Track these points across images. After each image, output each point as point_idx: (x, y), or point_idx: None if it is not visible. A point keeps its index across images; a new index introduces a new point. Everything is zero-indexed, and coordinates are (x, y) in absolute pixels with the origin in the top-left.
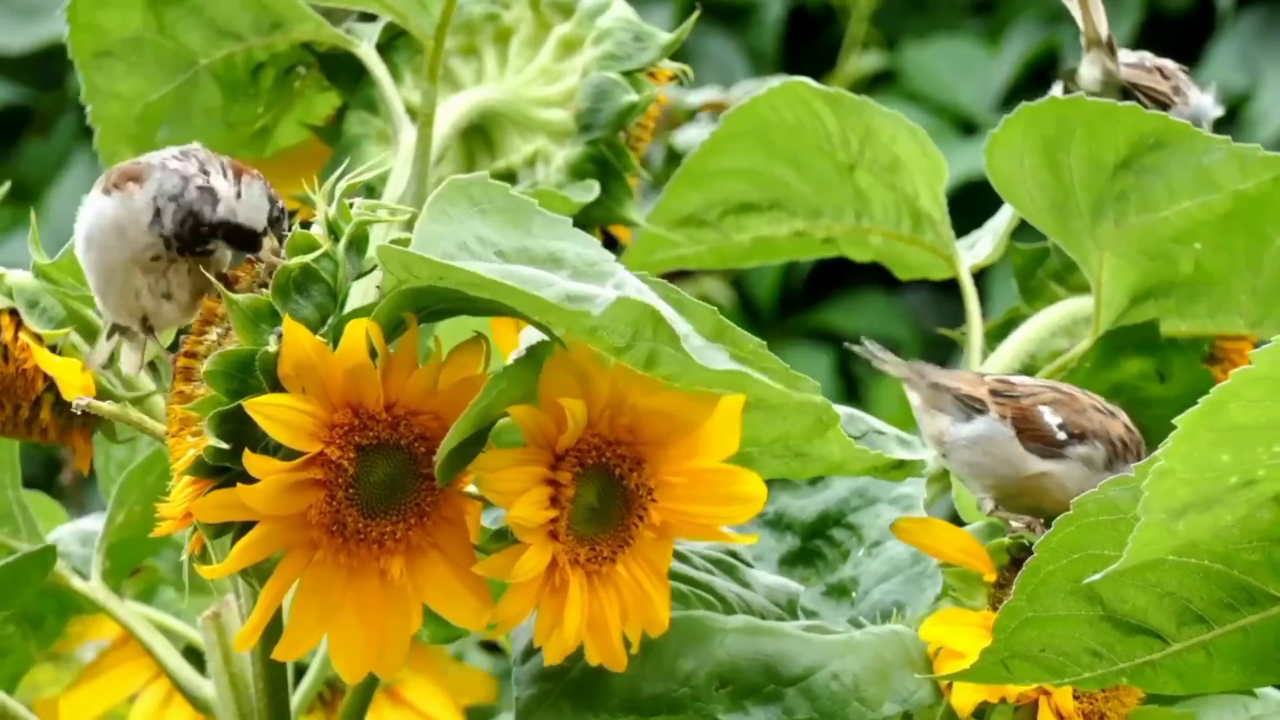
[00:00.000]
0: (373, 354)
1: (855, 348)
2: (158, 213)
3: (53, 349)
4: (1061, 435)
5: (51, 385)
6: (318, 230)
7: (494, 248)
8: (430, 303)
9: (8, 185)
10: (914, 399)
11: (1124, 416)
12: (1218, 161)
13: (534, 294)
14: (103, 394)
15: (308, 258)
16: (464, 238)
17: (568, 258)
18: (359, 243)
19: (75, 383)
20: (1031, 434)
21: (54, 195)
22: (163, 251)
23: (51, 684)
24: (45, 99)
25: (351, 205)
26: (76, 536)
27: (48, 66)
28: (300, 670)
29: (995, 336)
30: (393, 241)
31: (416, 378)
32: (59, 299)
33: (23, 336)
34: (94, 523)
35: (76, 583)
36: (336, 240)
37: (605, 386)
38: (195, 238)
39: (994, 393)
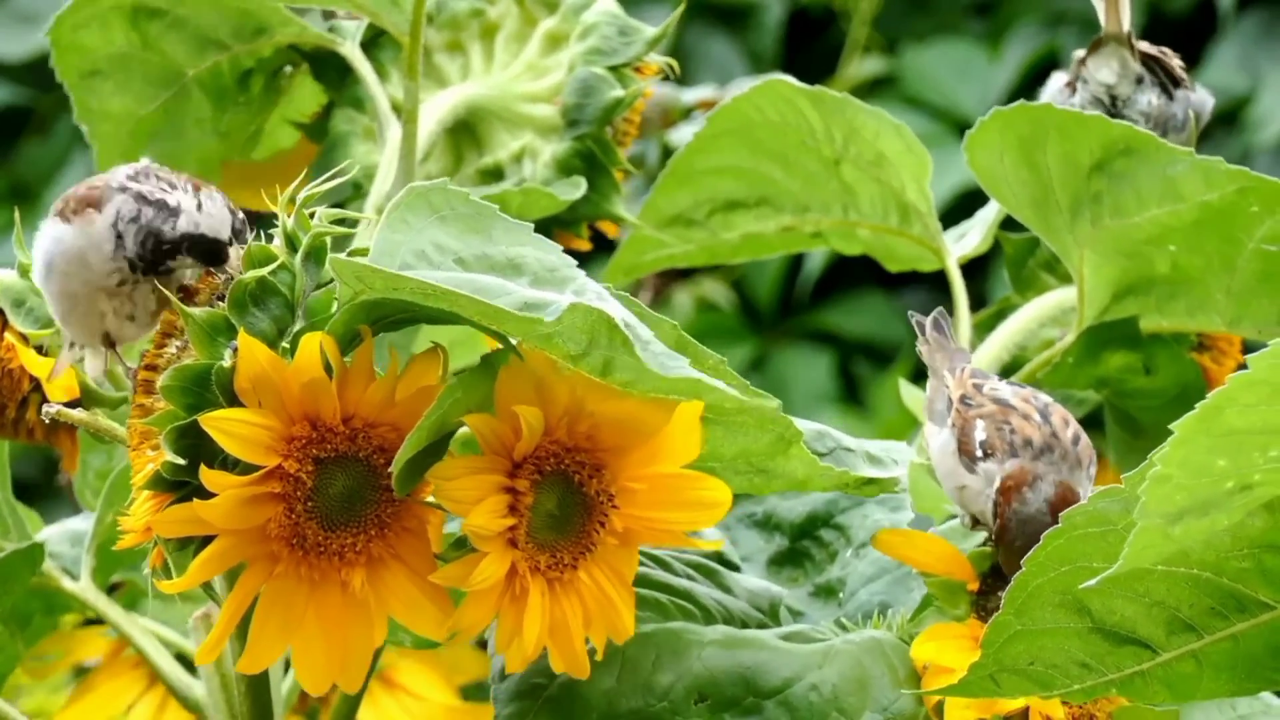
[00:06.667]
0: (330, 366)
1: (916, 316)
2: (119, 237)
3: (39, 349)
4: (979, 453)
5: (38, 385)
6: (277, 242)
7: (453, 255)
8: (387, 313)
9: None
10: (926, 389)
11: (1058, 424)
12: (1182, 173)
13: (486, 303)
14: (88, 394)
15: (264, 270)
16: (422, 246)
17: (528, 263)
18: (317, 253)
19: (59, 383)
20: (964, 447)
21: (53, 195)
22: (128, 275)
23: (30, 687)
24: (45, 99)
25: (312, 215)
26: (65, 537)
27: (47, 68)
28: (289, 665)
29: (986, 327)
30: (350, 252)
31: (373, 389)
32: (44, 299)
33: (8, 336)
34: (83, 523)
35: (66, 583)
36: (295, 252)
37: (563, 393)
38: (158, 256)
39: (961, 399)
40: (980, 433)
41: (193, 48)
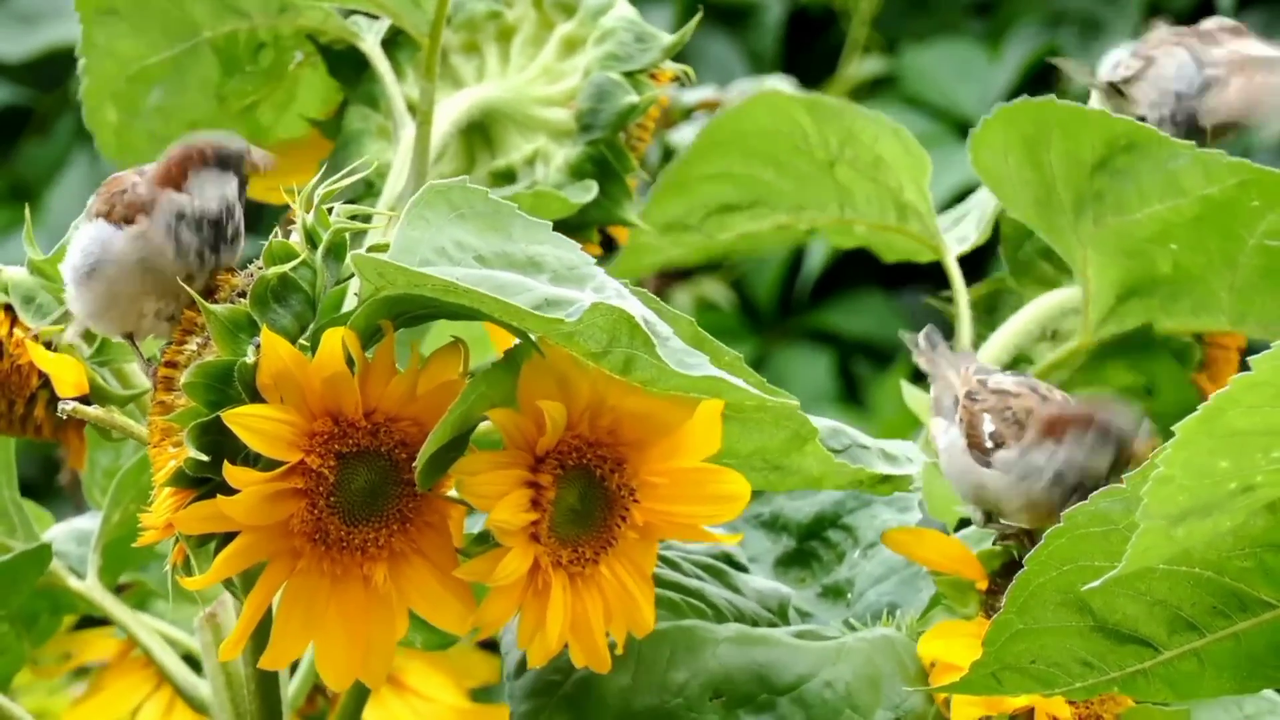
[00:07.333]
0: (352, 361)
1: (909, 335)
2: (178, 241)
3: (47, 345)
4: (990, 444)
5: (46, 382)
6: (296, 238)
7: (473, 252)
8: (408, 309)
9: None
10: (931, 396)
11: (1059, 396)
12: (1183, 167)
13: (508, 301)
14: (97, 391)
15: (285, 267)
16: (442, 243)
17: (548, 261)
18: (337, 250)
19: (69, 380)
20: (974, 441)
21: (53, 195)
22: (195, 269)
23: (30, 687)
24: (45, 100)
25: (330, 211)
26: (72, 536)
27: (47, 68)
28: (296, 665)
29: (982, 308)
30: (370, 248)
31: (395, 384)
32: (54, 295)
33: (17, 333)
34: (89, 522)
35: (73, 582)
36: (315, 248)
37: (585, 388)
38: (218, 243)
39: (968, 395)
40: (989, 425)
41: (215, 10)
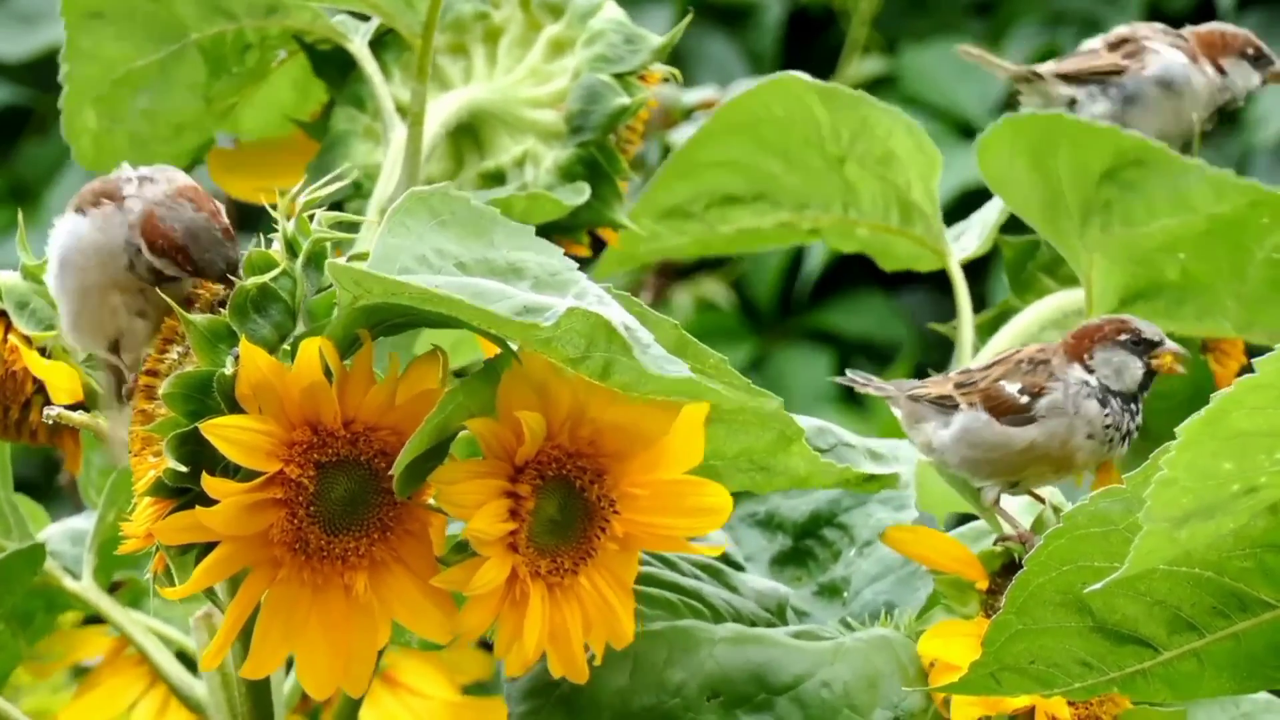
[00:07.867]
0: (331, 371)
1: (840, 379)
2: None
3: (42, 351)
4: (1025, 399)
5: (41, 387)
6: (277, 247)
7: (454, 260)
8: (387, 318)
9: None
10: (899, 416)
11: (1034, 345)
12: (1192, 185)
13: (486, 308)
14: (92, 397)
15: (265, 277)
16: (423, 251)
17: (529, 268)
18: (318, 258)
19: (63, 386)
20: (1002, 409)
21: (53, 196)
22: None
23: (31, 686)
24: (45, 100)
25: (311, 218)
26: (67, 536)
27: (47, 68)
28: (291, 665)
29: (987, 330)
30: (350, 257)
31: (374, 393)
32: (47, 300)
33: (12, 338)
34: (84, 522)
35: (68, 582)
36: (295, 257)
37: (565, 398)
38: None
39: (958, 385)
40: (1011, 386)
41: (203, 12)
